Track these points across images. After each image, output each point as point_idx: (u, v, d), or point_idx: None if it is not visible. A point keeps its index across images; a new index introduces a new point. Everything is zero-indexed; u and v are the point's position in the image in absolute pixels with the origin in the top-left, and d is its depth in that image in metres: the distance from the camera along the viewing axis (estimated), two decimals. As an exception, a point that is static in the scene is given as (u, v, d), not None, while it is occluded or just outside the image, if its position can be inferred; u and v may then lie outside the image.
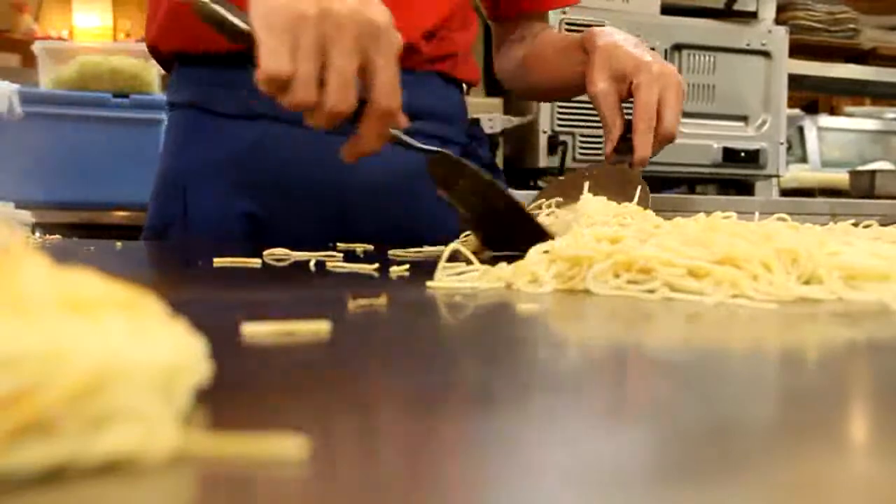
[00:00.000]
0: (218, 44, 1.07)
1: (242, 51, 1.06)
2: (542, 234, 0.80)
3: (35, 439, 0.20)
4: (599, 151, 2.25)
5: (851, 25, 2.88)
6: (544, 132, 2.18)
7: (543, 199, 1.05)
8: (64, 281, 0.22)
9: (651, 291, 0.57)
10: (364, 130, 0.78)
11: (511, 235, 0.84)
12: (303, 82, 0.74)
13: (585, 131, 2.21)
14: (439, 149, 0.90)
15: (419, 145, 0.87)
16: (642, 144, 1.04)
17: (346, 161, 0.83)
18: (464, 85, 1.25)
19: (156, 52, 1.17)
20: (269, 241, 0.90)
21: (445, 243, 0.69)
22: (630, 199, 0.92)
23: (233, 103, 1.09)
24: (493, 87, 2.19)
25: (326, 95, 0.74)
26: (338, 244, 0.97)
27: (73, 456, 0.20)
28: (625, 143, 1.07)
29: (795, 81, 2.57)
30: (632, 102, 1.06)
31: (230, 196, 1.09)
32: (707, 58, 2.33)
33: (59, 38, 3.77)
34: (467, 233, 0.95)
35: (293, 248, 0.86)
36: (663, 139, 1.06)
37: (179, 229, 1.11)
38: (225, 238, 1.07)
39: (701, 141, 2.32)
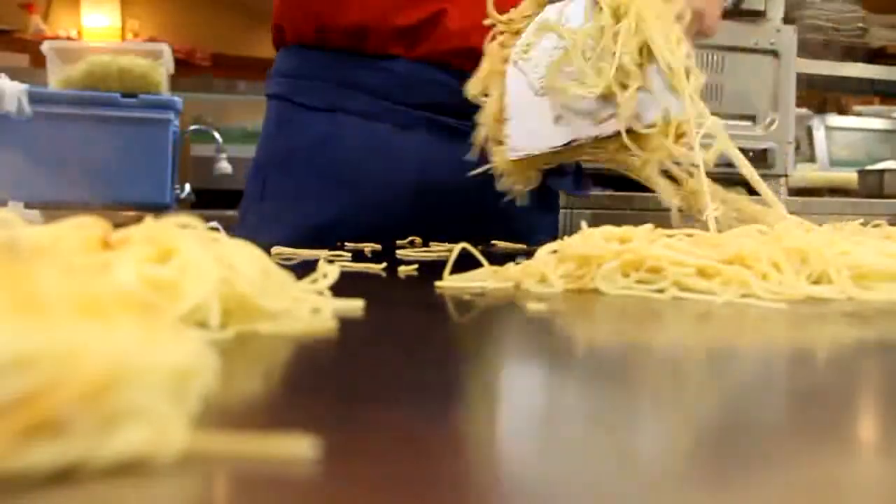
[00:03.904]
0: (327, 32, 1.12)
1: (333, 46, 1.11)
2: None
3: (47, 439, 0.20)
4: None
5: (860, 24, 2.87)
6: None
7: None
8: (77, 282, 0.22)
9: (660, 291, 0.57)
10: None
11: None
12: None
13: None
14: None
15: None
16: None
17: None
18: None
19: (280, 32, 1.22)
20: (338, 232, 0.98)
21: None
22: None
23: (312, 95, 1.15)
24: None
25: None
26: (346, 243, 0.97)
27: (84, 456, 0.20)
28: None
29: (804, 81, 2.56)
30: None
31: (302, 185, 1.15)
32: (715, 57, 2.33)
33: (68, 38, 3.78)
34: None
35: (359, 240, 0.94)
36: None
37: (255, 212, 1.18)
38: (293, 229, 1.08)
39: (709, 140, 2.32)
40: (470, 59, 1.08)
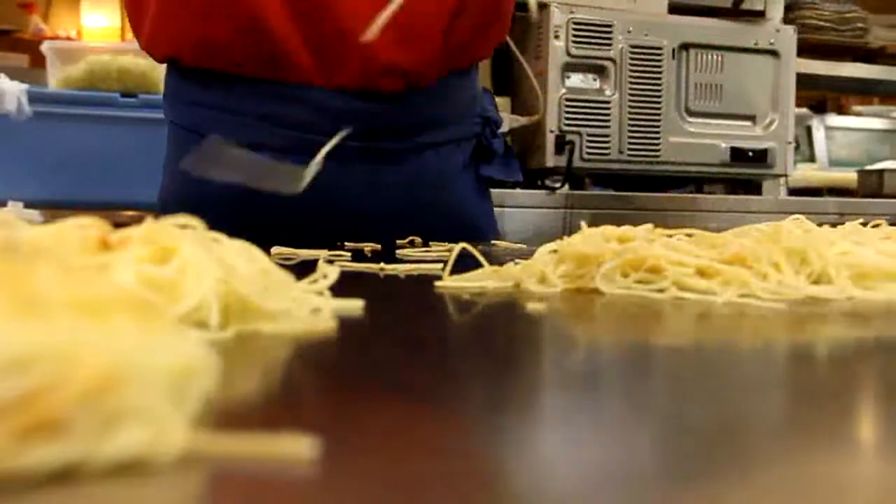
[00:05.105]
0: (215, 60, 1.06)
1: (242, 73, 1.05)
2: None
3: (47, 439, 0.20)
4: (607, 150, 2.26)
5: (860, 24, 2.86)
6: (551, 131, 2.18)
7: None
8: (76, 283, 0.22)
9: (660, 291, 0.57)
10: None
11: None
12: None
13: (592, 130, 2.20)
14: None
15: None
16: None
17: None
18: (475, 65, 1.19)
19: (151, 54, 1.16)
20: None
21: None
22: None
23: (227, 129, 1.05)
24: (500, 86, 2.19)
25: None
26: (346, 243, 0.97)
27: (84, 456, 0.20)
28: None
29: (803, 81, 2.56)
30: None
31: (231, 230, 1.06)
32: (715, 57, 2.33)
33: (68, 38, 3.78)
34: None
35: None
36: None
37: None
38: None
39: (709, 140, 2.32)
40: (391, 78, 1.05)
